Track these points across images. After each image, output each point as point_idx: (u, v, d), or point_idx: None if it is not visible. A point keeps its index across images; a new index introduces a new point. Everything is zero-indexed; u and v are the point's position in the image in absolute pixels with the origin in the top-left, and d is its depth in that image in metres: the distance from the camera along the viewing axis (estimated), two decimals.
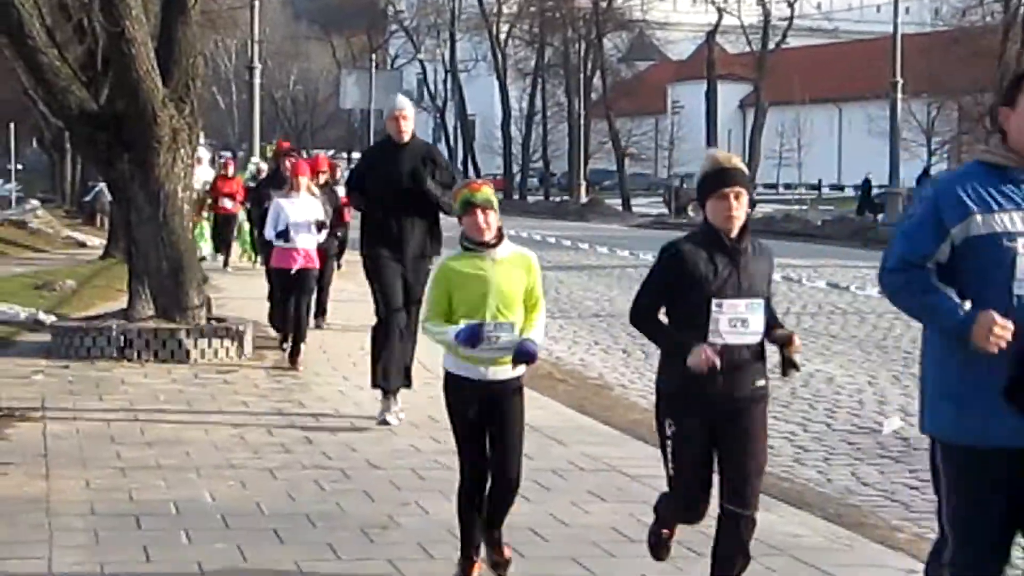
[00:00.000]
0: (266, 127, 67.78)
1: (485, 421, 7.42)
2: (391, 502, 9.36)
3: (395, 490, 9.75)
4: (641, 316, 6.63)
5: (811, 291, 26.75)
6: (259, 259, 24.06)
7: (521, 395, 7.51)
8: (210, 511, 9.07)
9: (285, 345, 16.33)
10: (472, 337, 7.21)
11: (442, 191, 12.00)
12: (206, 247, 29.49)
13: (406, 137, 12.28)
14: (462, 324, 7.25)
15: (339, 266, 21.69)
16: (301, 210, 15.45)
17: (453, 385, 7.51)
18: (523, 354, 7.30)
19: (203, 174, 28.94)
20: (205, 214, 29.36)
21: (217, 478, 10.01)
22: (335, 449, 11.17)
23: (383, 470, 10.42)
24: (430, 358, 16.37)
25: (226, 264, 29.50)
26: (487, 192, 7.43)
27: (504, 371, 7.39)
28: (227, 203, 29.12)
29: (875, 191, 60.31)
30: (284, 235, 15.42)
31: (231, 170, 30.78)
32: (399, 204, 12.18)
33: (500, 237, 7.40)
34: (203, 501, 9.36)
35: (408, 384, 12.67)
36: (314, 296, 17.24)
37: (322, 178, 18.53)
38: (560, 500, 9.42)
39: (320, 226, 15.60)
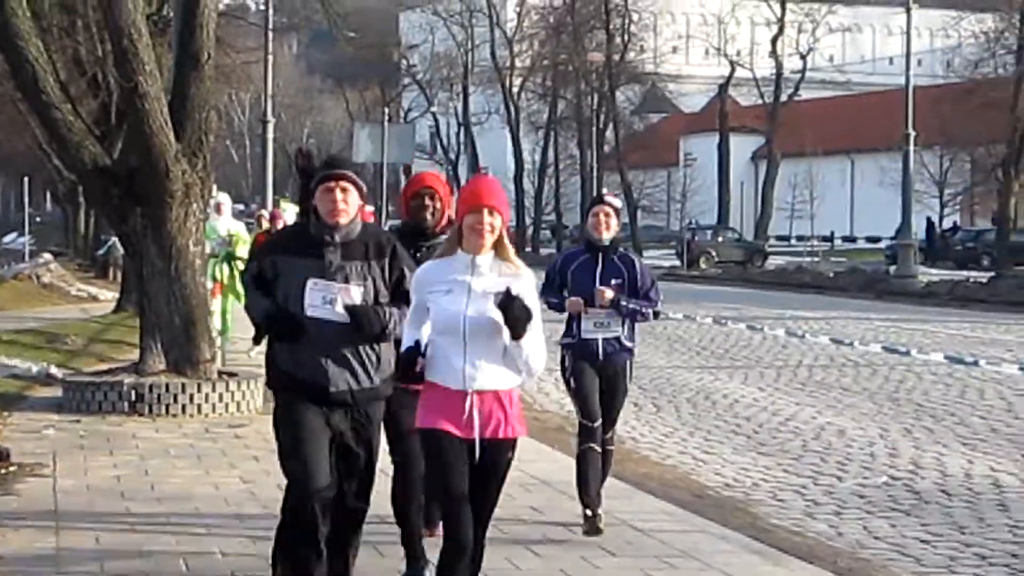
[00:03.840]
0: (279, 180, 67.88)
1: None
2: (401, 558, 9.33)
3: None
4: None
5: (821, 344, 26.67)
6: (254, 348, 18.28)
7: None
8: (220, 567, 9.05)
9: None
10: None
11: None
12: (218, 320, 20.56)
13: None
14: None
15: None
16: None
17: None
18: None
19: (226, 223, 22.31)
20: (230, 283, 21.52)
21: (227, 534, 9.98)
22: None
23: (394, 525, 10.37)
24: None
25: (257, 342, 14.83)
26: None
27: None
28: None
29: (885, 243, 59.87)
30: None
31: (280, 224, 20.59)
32: None
33: None
34: (213, 557, 9.34)
35: None
36: None
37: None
38: (570, 555, 9.38)
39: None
